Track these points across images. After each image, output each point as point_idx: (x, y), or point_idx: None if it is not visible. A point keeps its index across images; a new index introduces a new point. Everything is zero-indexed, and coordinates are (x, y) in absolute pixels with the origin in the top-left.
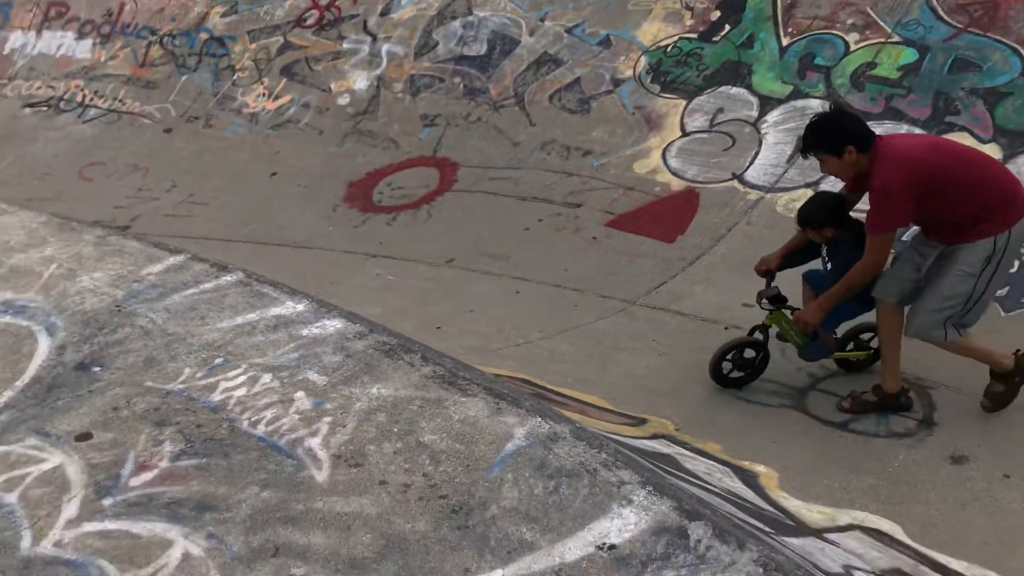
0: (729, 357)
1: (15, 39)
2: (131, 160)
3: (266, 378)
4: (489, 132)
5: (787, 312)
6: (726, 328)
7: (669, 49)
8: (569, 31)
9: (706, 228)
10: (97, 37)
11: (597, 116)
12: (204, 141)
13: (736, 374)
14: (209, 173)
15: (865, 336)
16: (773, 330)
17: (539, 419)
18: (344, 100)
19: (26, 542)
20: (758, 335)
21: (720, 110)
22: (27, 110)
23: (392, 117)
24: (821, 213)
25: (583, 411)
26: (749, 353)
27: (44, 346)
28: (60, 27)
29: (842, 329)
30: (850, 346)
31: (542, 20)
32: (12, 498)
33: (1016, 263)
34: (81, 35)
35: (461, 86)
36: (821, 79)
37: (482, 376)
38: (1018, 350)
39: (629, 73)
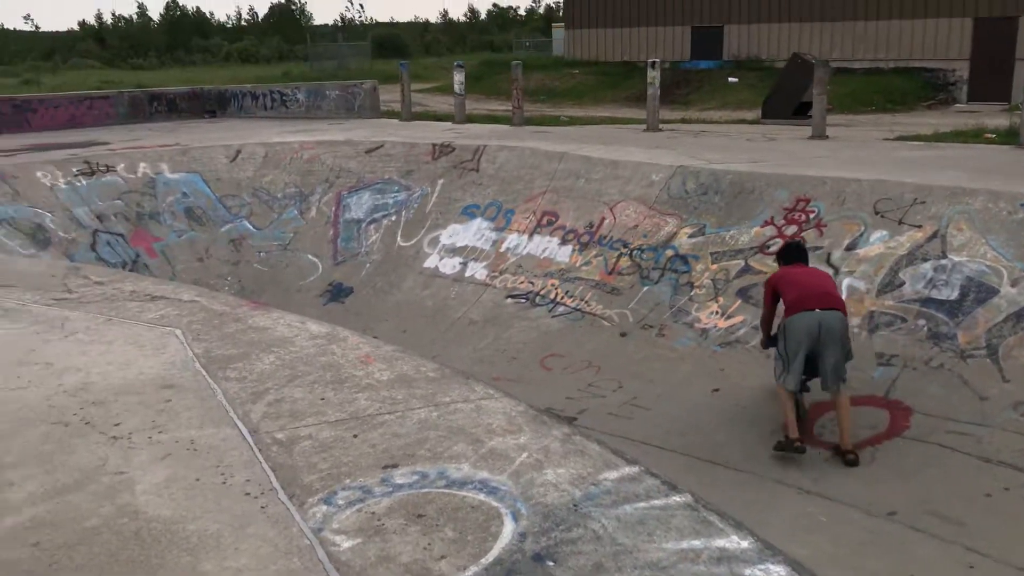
0: None
1: (511, 239)
2: (586, 357)
3: None
4: (952, 381)
5: None
6: None
7: None
8: None
9: None
10: (577, 244)
11: None
12: (654, 349)
13: None
14: (655, 380)
15: None
16: None
17: None
18: None
19: None
20: None
21: None
22: (509, 300)
23: None
24: None
25: None
26: None
27: (508, 530)
28: (548, 233)
29: None
30: None
31: None
32: None
33: None
34: (564, 241)
35: (925, 329)
36: None
37: None
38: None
39: None
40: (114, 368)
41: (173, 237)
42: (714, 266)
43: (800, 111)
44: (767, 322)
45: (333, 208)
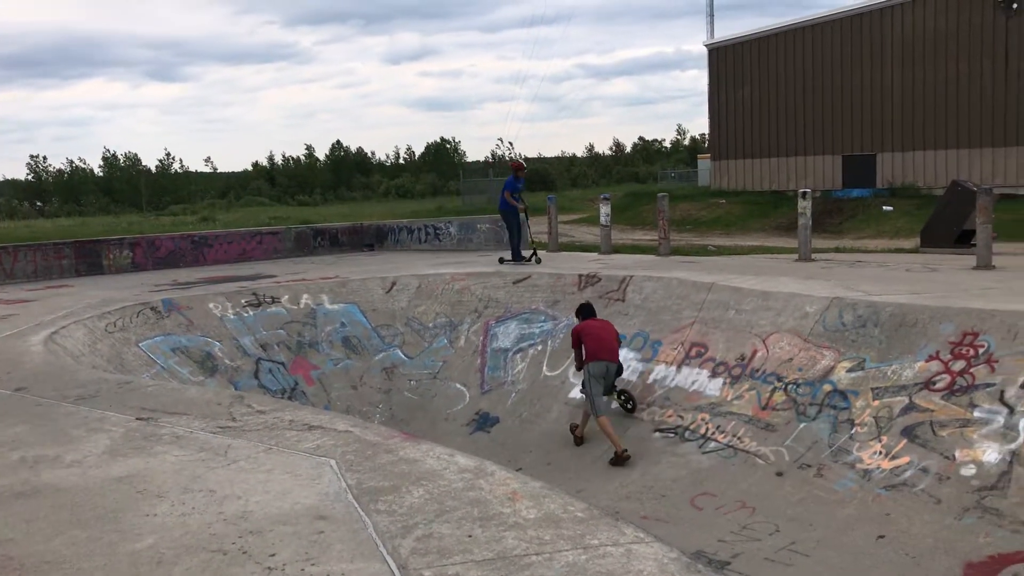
0: None
1: (659, 371)
2: (740, 497)
3: None
4: None
5: None
6: None
7: None
8: None
9: None
10: (728, 377)
11: None
12: (812, 490)
13: None
14: (814, 523)
15: None
16: None
17: None
18: (969, 471)
19: None
20: None
21: None
22: (657, 434)
23: None
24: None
25: None
26: None
27: None
28: (697, 365)
29: None
30: None
31: None
32: None
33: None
34: (714, 374)
35: None
36: None
37: None
38: (625, 450)
39: None
40: (272, 497)
41: (330, 365)
42: (876, 402)
43: (962, 240)
44: (580, 360)
45: (481, 337)
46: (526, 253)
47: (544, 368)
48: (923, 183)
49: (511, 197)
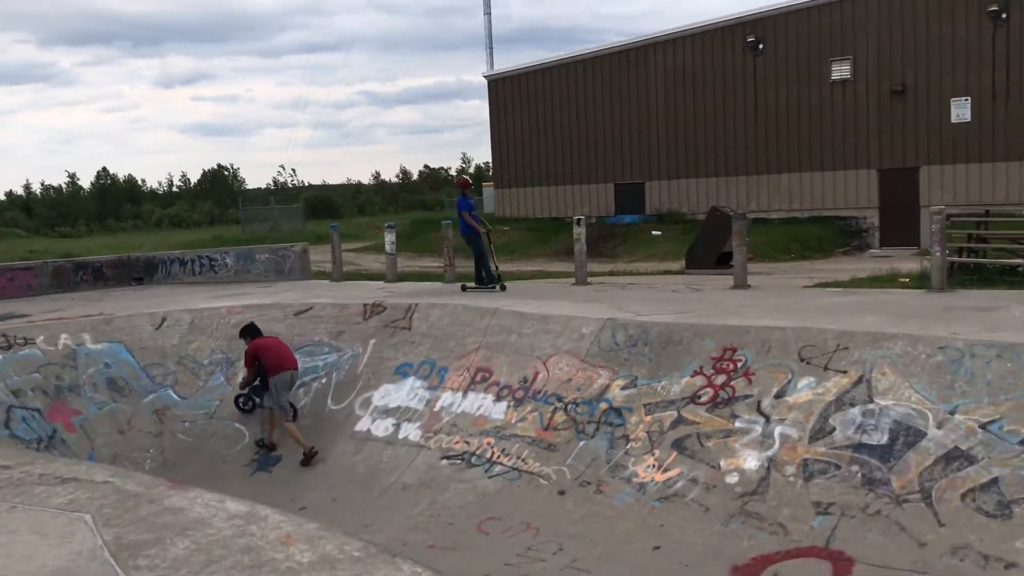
0: None
1: (445, 398)
2: (525, 518)
3: None
4: (890, 528)
5: None
6: None
7: None
8: (984, 427)
9: None
10: (512, 400)
11: (1023, 523)
12: (593, 506)
13: None
14: (595, 539)
15: None
16: None
17: None
18: (732, 478)
19: None
20: None
21: None
22: (444, 461)
23: (782, 500)
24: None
25: None
26: None
27: None
28: (483, 390)
29: None
30: None
31: (952, 413)
32: None
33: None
34: (499, 398)
35: (859, 475)
36: None
37: None
38: (312, 447)
39: None
40: (14, 561)
41: (93, 409)
42: (648, 418)
43: (722, 261)
44: (253, 375)
45: None
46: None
47: (329, 401)
48: (687, 209)
49: (471, 218)
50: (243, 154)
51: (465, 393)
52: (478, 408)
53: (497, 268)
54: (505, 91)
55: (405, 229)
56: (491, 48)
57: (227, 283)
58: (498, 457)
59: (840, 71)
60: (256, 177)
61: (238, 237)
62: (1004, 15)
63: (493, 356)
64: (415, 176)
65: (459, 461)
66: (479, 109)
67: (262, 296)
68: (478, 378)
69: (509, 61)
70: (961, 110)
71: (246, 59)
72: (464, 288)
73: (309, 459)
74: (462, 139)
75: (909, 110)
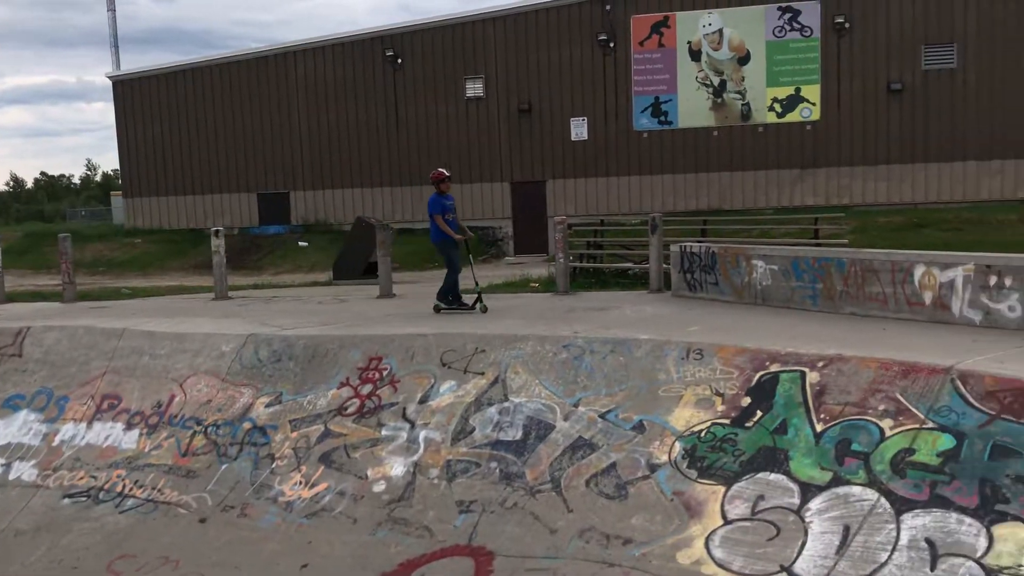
0: None
1: (66, 431)
2: (163, 552)
3: None
4: (526, 519)
5: None
6: None
7: (703, 434)
8: (603, 416)
9: None
10: (145, 427)
11: (635, 502)
12: (238, 531)
13: None
14: (240, 565)
15: None
16: None
17: None
18: (380, 487)
19: None
20: None
21: (760, 497)
22: (66, 500)
23: (427, 504)
24: None
25: None
26: None
27: None
28: (111, 418)
29: None
30: None
31: (576, 405)
32: None
33: None
34: (130, 426)
35: (497, 471)
36: (861, 465)
37: None
38: None
39: (665, 458)
40: None
41: None
42: (294, 434)
43: (370, 271)
44: None
45: None
46: (468, 299)
47: None
48: (334, 219)
49: (444, 222)
50: None
51: (90, 423)
52: (106, 439)
53: (477, 284)
54: (134, 94)
55: (17, 243)
56: (116, 47)
57: None
58: (130, 490)
59: (474, 88)
60: None
61: None
62: (612, 44)
63: (122, 381)
64: (30, 184)
65: (84, 498)
66: (105, 112)
67: None
68: (105, 406)
69: (140, 62)
70: (579, 129)
71: None
72: (437, 310)
73: None
74: (87, 144)
75: (536, 127)
